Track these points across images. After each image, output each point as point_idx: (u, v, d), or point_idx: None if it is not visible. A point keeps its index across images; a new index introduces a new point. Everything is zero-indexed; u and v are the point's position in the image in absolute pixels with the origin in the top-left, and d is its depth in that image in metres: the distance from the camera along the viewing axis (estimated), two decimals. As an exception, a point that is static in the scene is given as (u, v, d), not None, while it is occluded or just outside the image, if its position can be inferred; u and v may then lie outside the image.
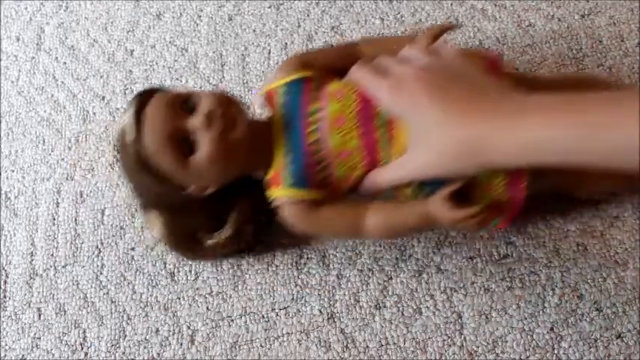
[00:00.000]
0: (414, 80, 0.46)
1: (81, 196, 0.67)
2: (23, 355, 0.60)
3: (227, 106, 0.51)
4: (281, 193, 0.53)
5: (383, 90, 0.48)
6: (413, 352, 0.55)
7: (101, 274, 0.63)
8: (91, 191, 0.67)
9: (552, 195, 0.57)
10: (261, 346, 0.57)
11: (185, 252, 0.60)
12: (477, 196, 0.49)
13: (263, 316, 0.58)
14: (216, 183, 0.53)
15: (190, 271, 0.61)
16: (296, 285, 0.59)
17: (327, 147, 0.51)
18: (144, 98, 0.52)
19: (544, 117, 0.39)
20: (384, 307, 0.57)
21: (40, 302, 0.62)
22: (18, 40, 0.78)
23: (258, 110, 0.63)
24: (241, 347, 0.58)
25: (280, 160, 0.52)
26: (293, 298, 0.59)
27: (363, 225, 0.52)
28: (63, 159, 0.69)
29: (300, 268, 0.60)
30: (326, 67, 0.56)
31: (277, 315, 0.58)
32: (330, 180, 0.52)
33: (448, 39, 0.67)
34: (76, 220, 0.66)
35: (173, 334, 0.59)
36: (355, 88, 0.52)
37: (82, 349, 0.60)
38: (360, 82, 0.51)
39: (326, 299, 0.58)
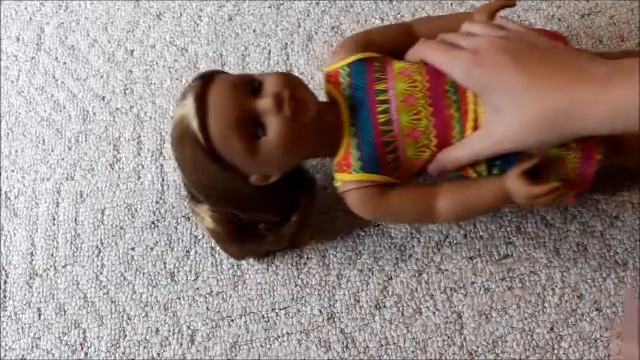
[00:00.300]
0: (493, 50, 0.44)
1: (81, 196, 0.67)
2: (23, 355, 0.60)
3: (294, 86, 0.49)
4: (350, 177, 0.50)
5: (458, 63, 0.46)
6: (413, 352, 0.55)
7: (101, 274, 0.63)
8: (91, 191, 0.67)
9: (622, 169, 0.57)
10: (261, 346, 0.57)
11: (232, 247, 0.58)
12: (549, 172, 0.48)
13: (263, 316, 0.58)
14: (280, 170, 0.52)
15: (190, 271, 0.61)
16: (296, 285, 0.59)
17: (398, 127, 0.49)
18: (204, 82, 0.50)
19: (635, 80, 0.38)
20: (384, 307, 0.57)
21: (40, 302, 0.62)
22: (18, 40, 0.78)
23: None
24: (241, 347, 0.58)
25: (348, 143, 0.50)
26: (293, 298, 0.59)
27: (435, 208, 0.51)
28: (63, 159, 0.69)
29: (300, 268, 0.60)
30: (383, 46, 0.54)
31: (277, 315, 0.58)
32: (400, 161, 0.50)
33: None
34: (76, 220, 0.66)
35: (173, 334, 0.59)
36: (422, 65, 0.50)
37: (82, 349, 0.60)
38: (428, 59, 0.49)
39: (326, 299, 0.58)
